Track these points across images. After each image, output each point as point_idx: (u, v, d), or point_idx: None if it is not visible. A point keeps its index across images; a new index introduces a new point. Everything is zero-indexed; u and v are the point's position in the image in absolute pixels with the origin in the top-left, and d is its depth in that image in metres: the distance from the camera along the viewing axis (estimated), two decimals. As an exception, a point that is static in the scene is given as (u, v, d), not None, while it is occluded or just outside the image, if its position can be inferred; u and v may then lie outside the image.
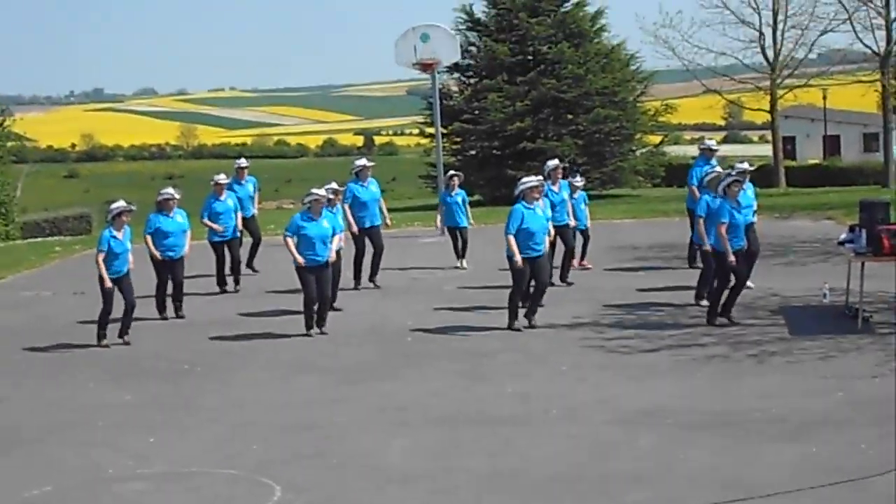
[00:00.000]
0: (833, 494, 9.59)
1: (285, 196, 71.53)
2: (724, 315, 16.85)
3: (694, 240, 19.17)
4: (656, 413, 12.40)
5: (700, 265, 19.07)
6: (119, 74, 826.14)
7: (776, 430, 11.54)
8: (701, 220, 17.92)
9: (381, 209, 21.84)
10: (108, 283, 17.14)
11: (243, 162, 24.51)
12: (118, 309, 17.34)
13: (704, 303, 17.99)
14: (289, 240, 17.32)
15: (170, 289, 19.58)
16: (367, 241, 21.39)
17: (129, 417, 13.36)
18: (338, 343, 16.93)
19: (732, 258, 16.62)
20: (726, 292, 16.92)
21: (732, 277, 16.90)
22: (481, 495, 10.09)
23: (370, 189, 21.48)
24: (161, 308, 19.56)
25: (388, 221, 22.65)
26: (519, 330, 17.05)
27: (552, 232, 18.06)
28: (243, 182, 23.82)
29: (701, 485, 9.99)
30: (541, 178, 18.43)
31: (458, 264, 23.72)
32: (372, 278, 21.59)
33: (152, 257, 19.06)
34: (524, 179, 17.50)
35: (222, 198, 21.72)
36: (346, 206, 20.56)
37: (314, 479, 10.73)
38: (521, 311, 17.34)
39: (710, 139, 22.43)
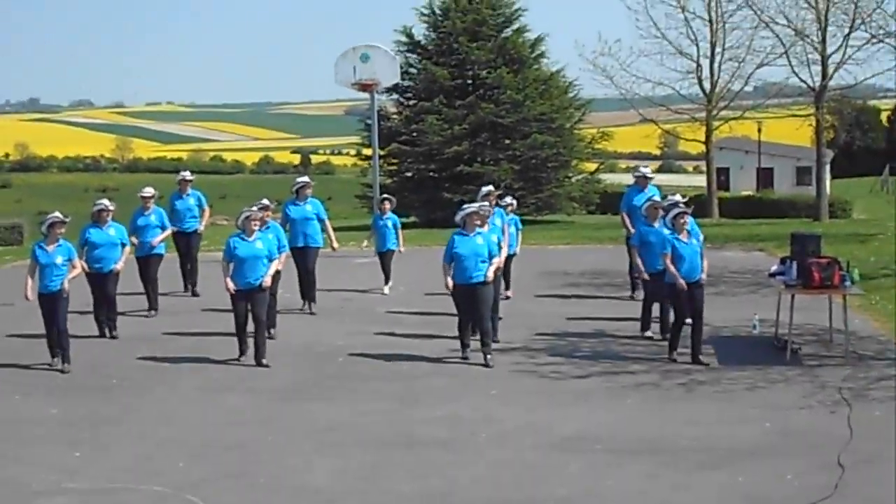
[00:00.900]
0: (758, 524, 9.65)
1: (220, 212, 71.18)
2: (693, 359, 16.19)
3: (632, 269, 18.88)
4: (586, 439, 12.43)
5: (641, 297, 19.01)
6: (55, 85, 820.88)
7: (704, 459, 11.61)
8: (635, 249, 17.96)
9: (324, 230, 21.45)
10: (29, 294, 16.59)
11: (187, 174, 23.71)
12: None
13: (649, 333, 18.02)
14: (224, 263, 16.88)
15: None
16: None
17: (55, 432, 13.21)
18: (269, 362, 16.81)
19: (682, 283, 16.00)
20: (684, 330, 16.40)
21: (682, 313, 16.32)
22: (409, 518, 10.06)
23: (303, 208, 21.19)
24: (100, 327, 19.10)
25: (334, 245, 22.13)
26: (467, 358, 16.68)
27: (498, 260, 17.52)
28: (185, 195, 23.22)
29: (628, 512, 10.02)
30: (484, 203, 18.21)
31: (382, 290, 23.53)
32: (304, 299, 21.39)
33: (84, 270, 18.78)
34: (465, 206, 17.18)
35: (147, 212, 21.29)
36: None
37: (241, 499, 10.67)
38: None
39: (646, 167, 22.46)
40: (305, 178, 21.79)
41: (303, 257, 21.04)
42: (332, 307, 21.55)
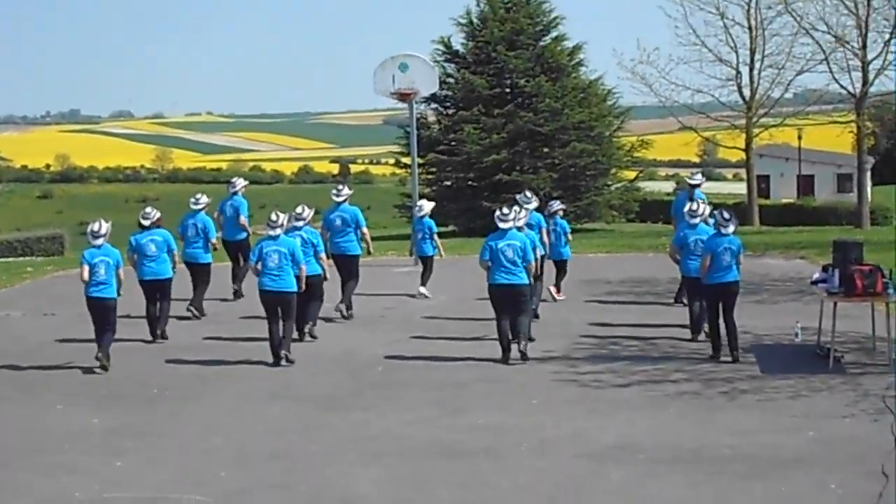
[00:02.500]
0: (802, 534, 9.59)
1: (260, 222, 71.55)
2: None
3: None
4: (627, 448, 12.40)
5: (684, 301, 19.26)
6: (96, 96, 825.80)
7: (746, 468, 11.55)
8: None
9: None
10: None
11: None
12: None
13: (702, 337, 18.00)
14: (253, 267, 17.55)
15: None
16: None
17: (97, 442, 13.26)
18: (310, 371, 16.85)
19: None
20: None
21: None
22: (451, 527, 10.06)
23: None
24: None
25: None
26: (504, 362, 17.03)
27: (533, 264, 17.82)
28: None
29: (671, 521, 9.98)
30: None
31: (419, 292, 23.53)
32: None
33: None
34: (502, 211, 17.48)
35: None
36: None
37: (283, 508, 10.67)
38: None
39: (697, 173, 22.61)
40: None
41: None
42: (373, 315, 21.54)
